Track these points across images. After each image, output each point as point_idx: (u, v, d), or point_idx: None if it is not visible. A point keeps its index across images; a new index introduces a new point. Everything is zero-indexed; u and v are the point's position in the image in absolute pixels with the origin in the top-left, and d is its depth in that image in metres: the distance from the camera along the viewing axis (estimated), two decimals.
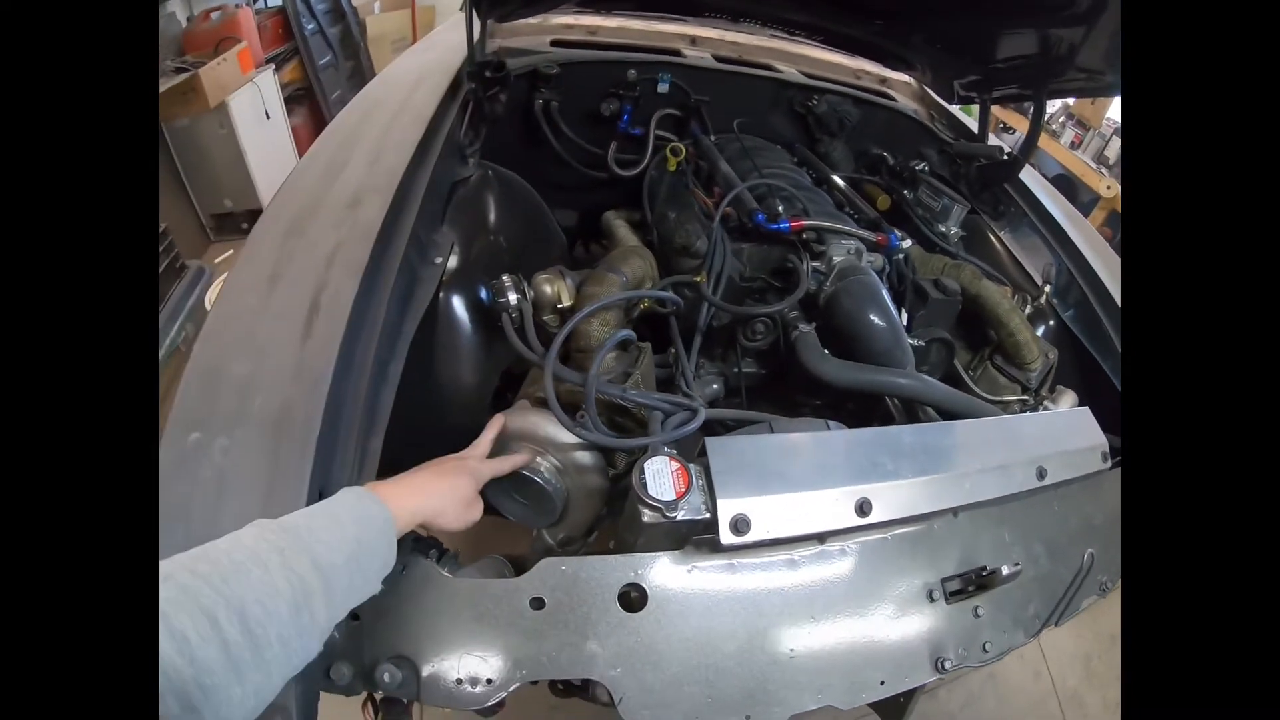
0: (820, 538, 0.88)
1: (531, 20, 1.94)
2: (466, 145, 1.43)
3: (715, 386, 1.38)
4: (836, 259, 1.32)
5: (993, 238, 1.87)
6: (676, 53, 1.97)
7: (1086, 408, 1.28)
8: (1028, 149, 1.78)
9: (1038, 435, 1.11)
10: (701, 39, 2.09)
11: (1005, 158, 1.82)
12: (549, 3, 1.78)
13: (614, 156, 1.80)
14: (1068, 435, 1.14)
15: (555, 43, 1.90)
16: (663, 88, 1.84)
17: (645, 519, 0.77)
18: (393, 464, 0.81)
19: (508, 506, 1.01)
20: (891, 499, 0.90)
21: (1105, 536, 1.09)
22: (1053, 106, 4.01)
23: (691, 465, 0.82)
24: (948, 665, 0.87)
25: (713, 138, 1.82)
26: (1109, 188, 3.39)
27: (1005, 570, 0.92)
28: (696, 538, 0.81)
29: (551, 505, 0.98)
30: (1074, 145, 3.71)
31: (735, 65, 1.96)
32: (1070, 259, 1.64)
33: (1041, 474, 1.03)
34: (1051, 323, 1.62)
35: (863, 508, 0.87)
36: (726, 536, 0.78)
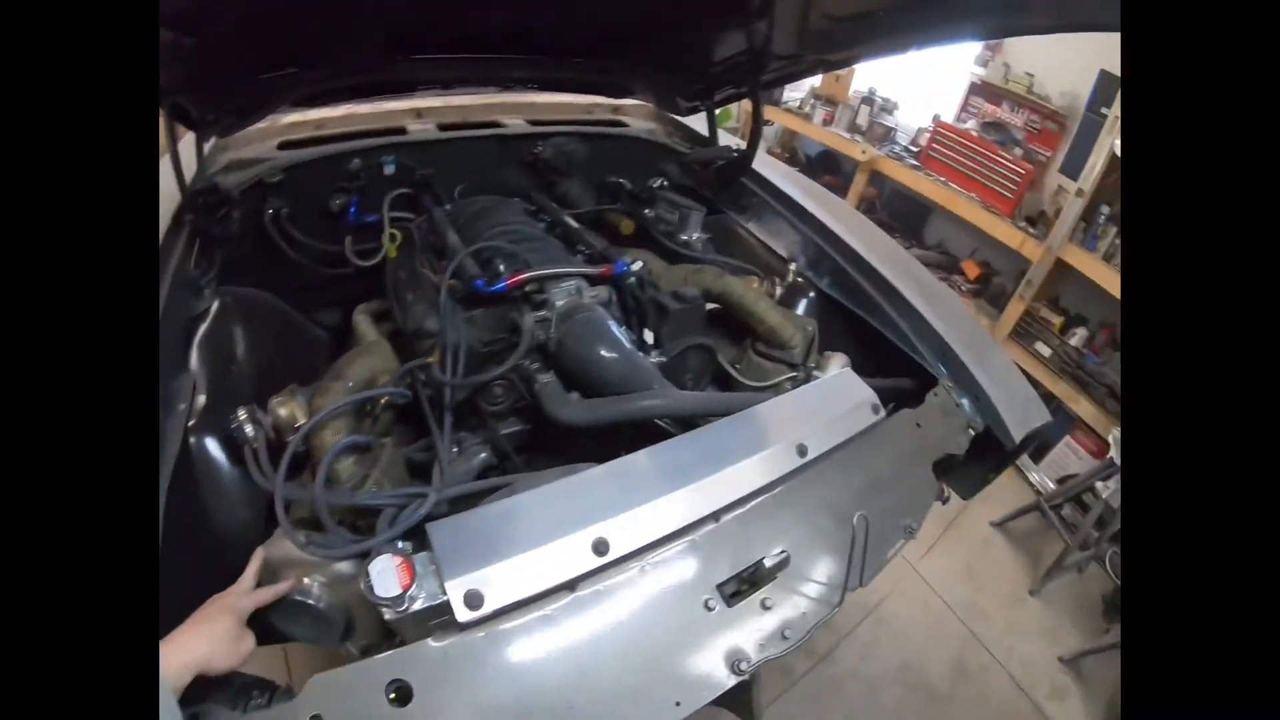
0: (570, 586, 0.88)
1: (260, 126, 1.88)
2: (199, 277, 1.38)
3: (483, 455, 1.35)
4: (559, 303, 1.36)
5: (742, 231, 2.01)
6: (401, 131, 1.96)
7: (847, 368, 1.40)
8: (754, 141, 1.94)
9: (799, 411, 1.19)
10: (427, 110, 2.10)
11: (735, 154, 1.98)
12: (262, 110, 1.72)
13: (352, 250, 1.77)
14: (832, 400, 1.24)
15: (282, 145, 1.84)
16: (388, 170, 1.85)
17: (386, 617, 0.78)
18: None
19: (297, 631, 0.97)
20: (631, 529, 0.91)
21: (891, 483, 1.19)
22: (800, 92, 4.44)
23: (417, 555, 0.82)
24: (744, 666, 0.88)
25: (447, 207, 1.85)
26: (863, 151, 3.81)
27: (768, 561, 0.96)
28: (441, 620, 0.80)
29: (331, 623, 0.96)
30: (826, 123, 4.12)
31: (459, 130, 1.99)
32: (815, 232, 1.80)
33: (802, 450, 1.09)
34: (812, 294, 1.76)
35: (599, 547, 0.88)
36: (463, 613, 0.78)
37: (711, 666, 0.87)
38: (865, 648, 2.34)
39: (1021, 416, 1.38)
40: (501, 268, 1.39)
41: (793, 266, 1.72)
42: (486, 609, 0.79)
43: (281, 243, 1.69)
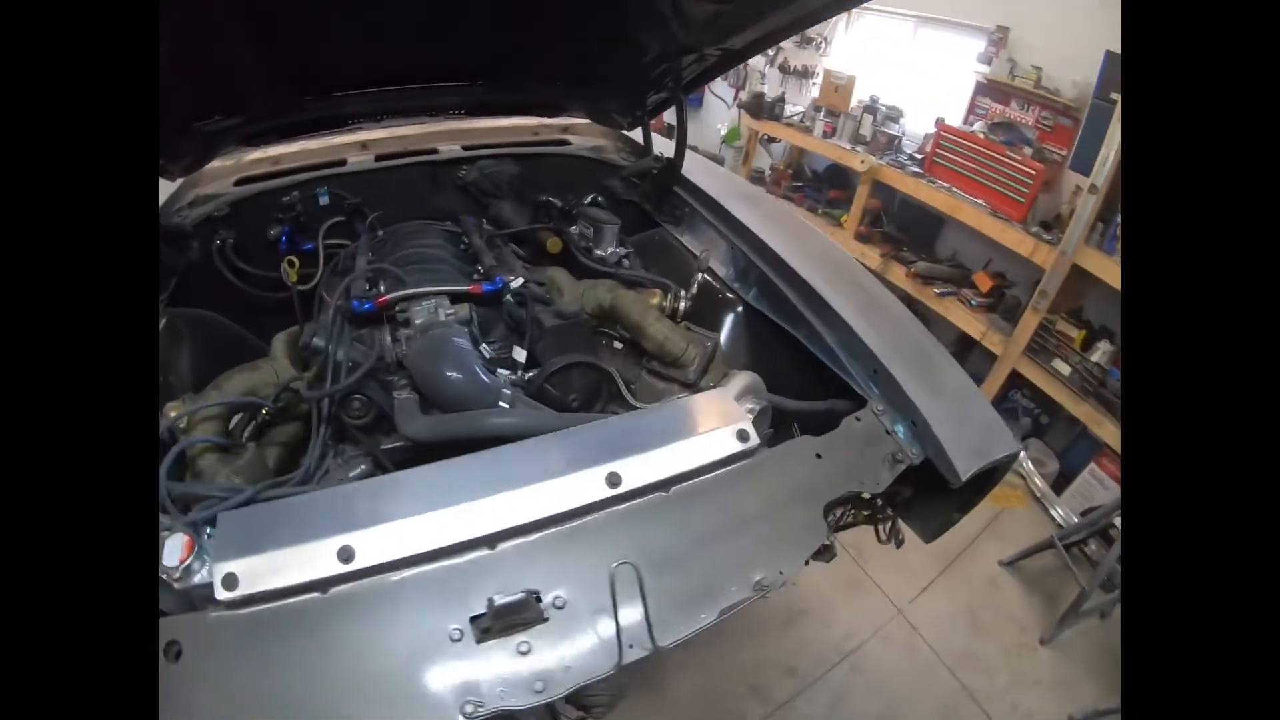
0: (321, 588, 0.87)
1: (226, 163, 2.01)
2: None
3: (363, 467, 1.33)
4: (418, 321, 1.35)
5: (675, 244, 1.93)
6: (341, 163, 2.03)
7: (719, 389, 1.28)
8: (679, 148, 1.89)
9: (634, 433, 1.08)
10: (372, 141, 2.16)
11: (659, 164, 1.92)
12: (208, 153, 1.84)
13: (287, 276, 1.83)
14: (685, 424, 1.11)
15: (238, 181, 1.97)
16: (323, 200, 1.94)
17: (174, 586, 0.85)
18: None
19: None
20: (381, 542, 0.89)
21: (750, 525, 1.02)
22: (801, 105, 4.31)
23: (210, 539, 0.90)
24: (475, 712, 0.80)
25: (379, 233, 1.90)
26: (862, 161, 3.62)
27: (542, 601, 0.87)
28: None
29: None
30: (827, 134, 3.97)
31: (393, 159, 2.03)
32: (743, 240, 1.69)
33: (614, 480, 0.98)
34: (740, 309, 1.65)
35: (344, 554, 0.87)
36: (220, 592, 0.83)
37: (438, 702, 0.80)
38: (836, 697, 2.12)
39: (975, 446, 1.17)
40: (382, 288, 1.43)
41: (697, 278, 1.61)
42: (240, 592, 0.83)
43: (226, 271, 1.80)
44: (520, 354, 1.40)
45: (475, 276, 1.58)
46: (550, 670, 0.83)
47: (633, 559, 0.92)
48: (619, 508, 0.98)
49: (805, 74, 4.50)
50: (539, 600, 0.87)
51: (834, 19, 4.32)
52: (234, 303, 1.78)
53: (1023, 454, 2.88)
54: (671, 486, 1.01)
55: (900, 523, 1.35)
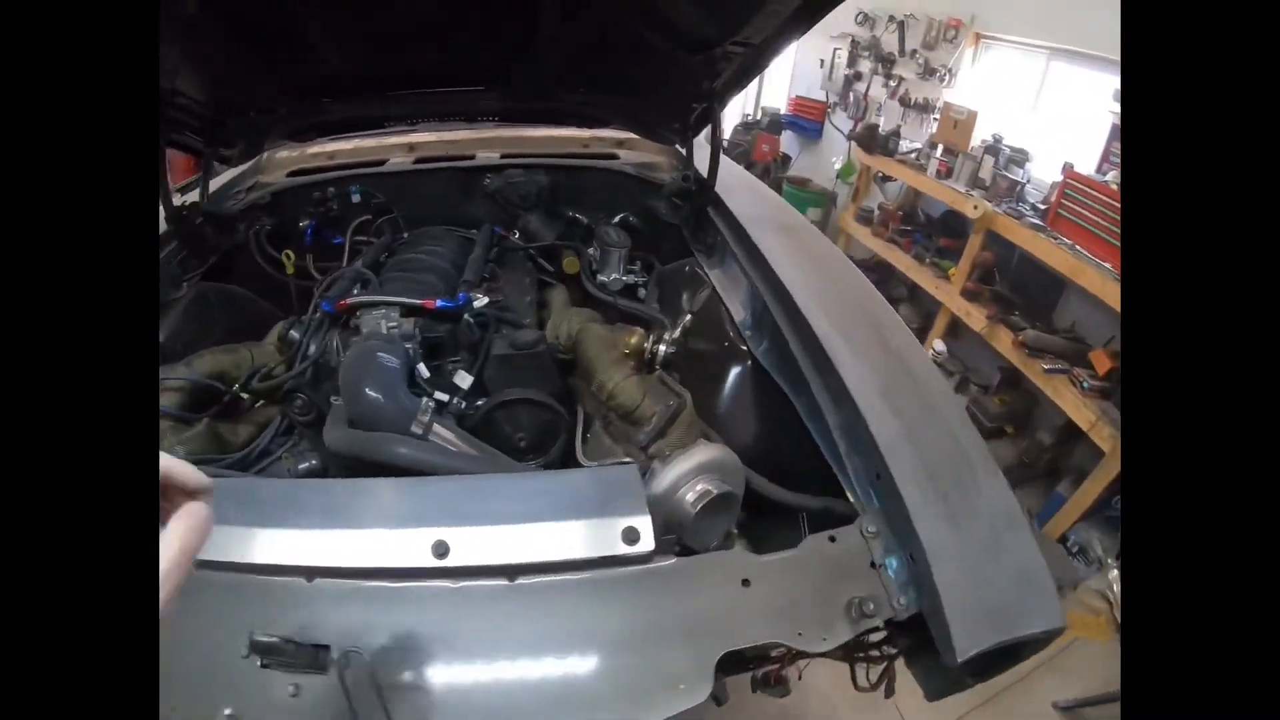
0: None
1: (289, 154, 2.21)
2: (181, 274, 1.70)
3: (312, 463, 1.35)
4: (364, 329, 1.33)
5: (702, 276, 1.75)
6: (380, 163, 2.09)
7: (664, 463, 1.03)
8: (713, 166, 1.72)
9: (494, 497, 0.92)
10: (420, 144, 2.22)
11: (689, 184, 1.77)
12: (259, 143, 1.99)
13: (315, 265, 1.94)
14: (571, 502, 0.91)
15: (291, 173, 2.12)
16: (355, 198, 2.01)
17: None
18: None
19: None
20: (218, 540, 0.82)
21: (590, 650, 0.81)
22: (917, 142, 3.89)
23: None
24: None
25: (405, 235, 1.95)
26: (975, 207, 3.18)
27: (335, 651, 0.76)
28: None
29: None
30: (941, 174, 3.53)
31: (429, 163, 2.05)
32: (766, 283, 1.43)
33: (440, 550, 0.84)
34: (748, 363, 1.44)
35: None
36: None
37: (207, 699, 0.74)
38: None
39: (993, 610, 0.83)
40: (355, 291, 1.44)
41: (685, 320, 1.41)
42: None
43: (258, 255, 1.91)
44: (464, 379, 1.31)
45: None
46: None
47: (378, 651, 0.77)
48: (446, 583, 0.83)
49: (926, 108, 4.10)
50: (323, 650, 0.74)
51: (960, 49, 3.90)
52: (271, 285, 1.91)
53: (1113, 574, 2.34)
54: (516, 575, 0.84)
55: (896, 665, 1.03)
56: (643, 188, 2.05)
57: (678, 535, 0.98)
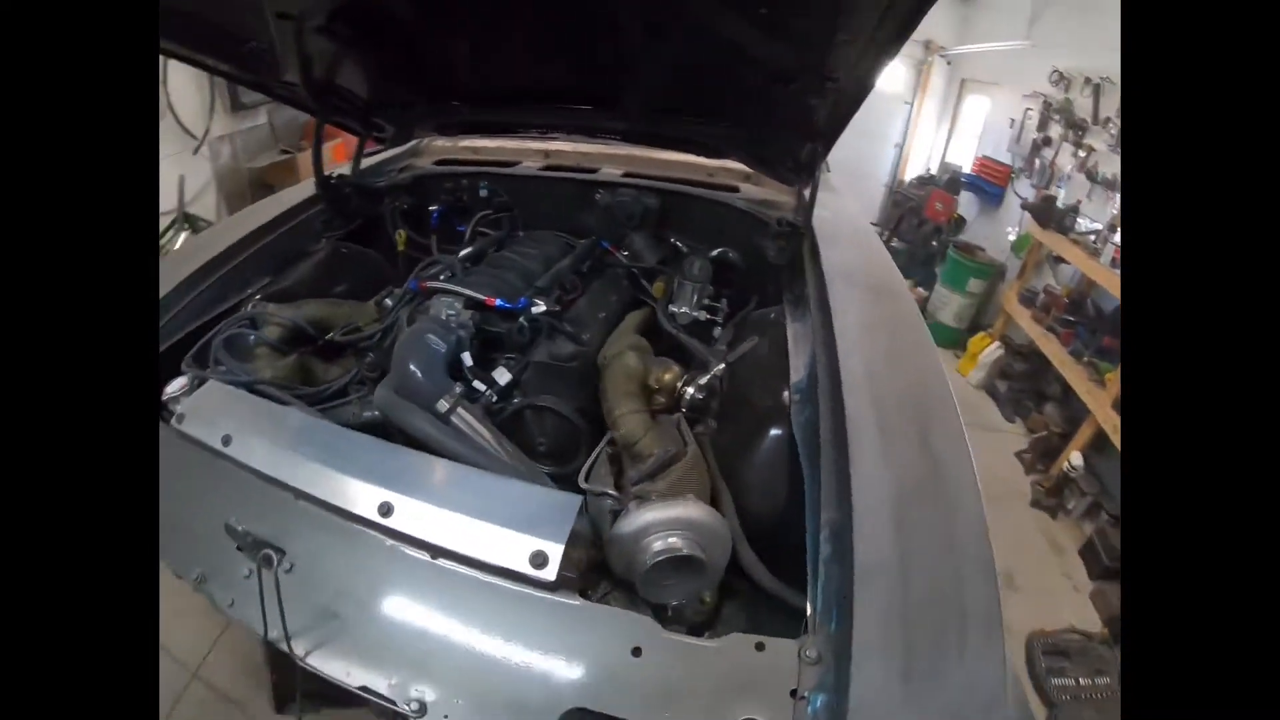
0: (212, 452, 1.14)
1: (445, 144, 2.54)
2: (320, 230, 1.99)
3: (374, 414, 1.45)
4: (430, 312, 1.43)
5: (784, 324, 1.67)
6: (513, 164, 2.26)
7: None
8: (808, 206, 1.66)
9: (450, 484, 1.01)
10: (555, 152, 2.36)
11: (784, 226, 1.70)
12: (406, 133, 2.25)
13: (439, 247, 2.15)
14: (507, 506, 0.95)
15: (438, 161, 2.37)
16: (483, 193, 2.20)
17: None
18: None
19: None
20: (254, 450, 1.10)
21: (455, 641, 0.85)
22: (1098, 223, 3.37)
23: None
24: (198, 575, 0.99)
25: (520, 234, 2.13)
26: None
27: (256, 550, 0.91)
28: None
29: None
30: (1117, 264, 3.04)
31: (555, 172, 2.18)
32: (825, 350, 1.30)
33: (385, 509, 0.95)
34: (787, 429, 1.34)
35: (225, 440, 1.15)
36: (171, 417, 1.20)
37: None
38: None
39: None
40: (441, 277, 1.58)
41: (711, 374, 1.36)
42: (175, 423, 1.17)
43: (389, 228, 2.16)
44: (502, 376, 1.37)
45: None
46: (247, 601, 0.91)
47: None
48: (384, 539, 0.95)
49: (1113, 185, 3.58)
50: (275, 552, 0.91)
51: None
52: (397, 256, 2.13)
53: None
54: (437, 555, 0.90)
55: None
56: (754, 225, 2.00)
57: (637, 583, 0.93)
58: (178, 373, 1.31)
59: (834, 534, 0.84)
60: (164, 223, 3.72)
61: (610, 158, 2.31)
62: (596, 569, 1.03)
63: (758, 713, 0.72)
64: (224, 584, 0.94)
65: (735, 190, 2.13)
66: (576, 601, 0.86)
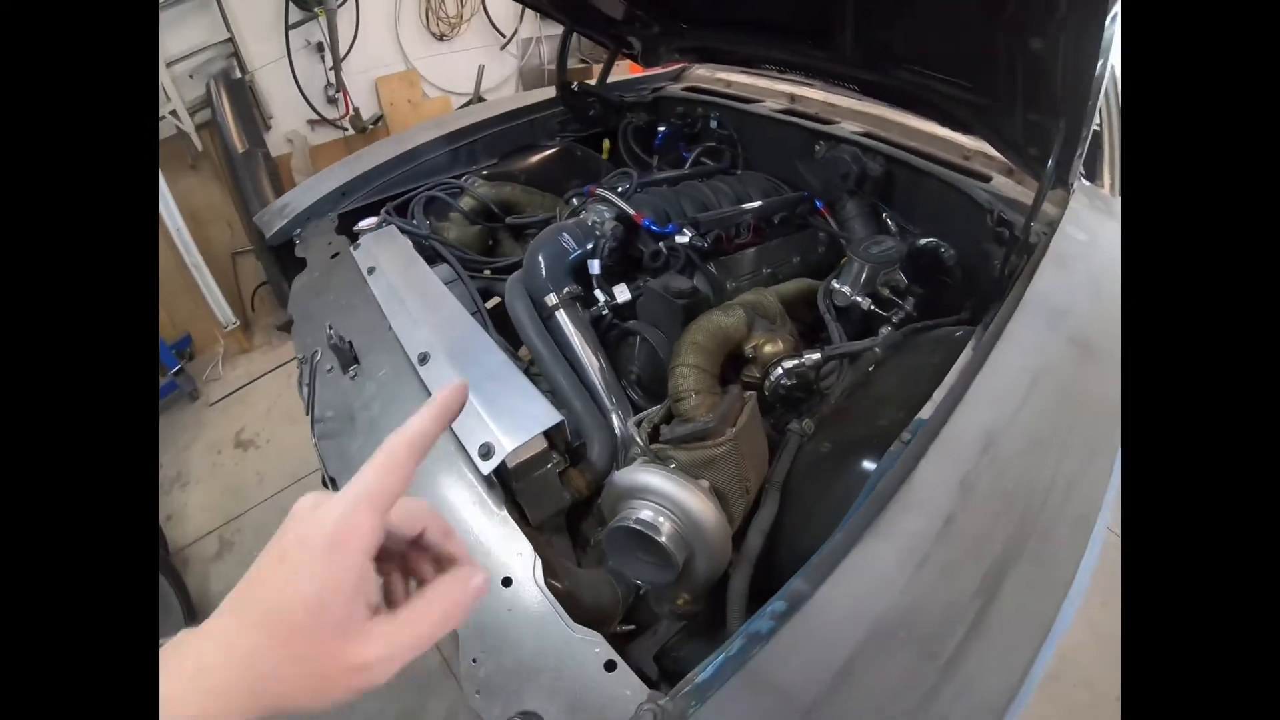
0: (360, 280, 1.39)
1: (703, 73, 2.58)
2: (557, 129, 2.24)
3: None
4: (582, 214, 1.48)
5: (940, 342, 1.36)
6: (750, 102, 2.15)
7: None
8: (1028, 219, 1.30)
9: (484, 362, 1.07)
10: (800, 97, 2.18)
11: (1006, 231, 1.35)
12: (653, 53, 2.31)
13: (658, 163, 2.22)
14: (502, 398, 0.97)
15: (686, 88, 2.40)
16: (713, 124, 2.18)
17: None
18: None
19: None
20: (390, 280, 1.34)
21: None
22: None
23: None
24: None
25: (737, 171, 2.06)
26: None
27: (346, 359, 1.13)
28: None
29: None
30: None
31: (787, 115, 2.01)
32: (950, 399, 0.97)
33: (422, 359, 1.07)
34: (865, 464, 1.11)
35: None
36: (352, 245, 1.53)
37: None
38: None
39: None
40: (620, 188, 1.61)
41: (808, 356, 1.17)
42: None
43: (620, 141, 2.27)
44: (621, 293, 1.35)
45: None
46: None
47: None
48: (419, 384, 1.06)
49: None
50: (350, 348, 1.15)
51: None
52: (621, 163, 2.24)
53: None
54: None
55: None
56: (983, 218, 1.61)
57: (605, 536, 0.86)
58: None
59: (780, 609, 0.64)
60: (458, 103, 4.35)
61: (857, 114, 2.04)
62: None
63: (547, 717, 0.62)
64: (329, 377, 1.15)
65: (986, 180, 1.71)
66: (500, 511, 0.82)
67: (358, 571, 0.35)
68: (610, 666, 0.66)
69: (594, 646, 0.68)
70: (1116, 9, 0.86)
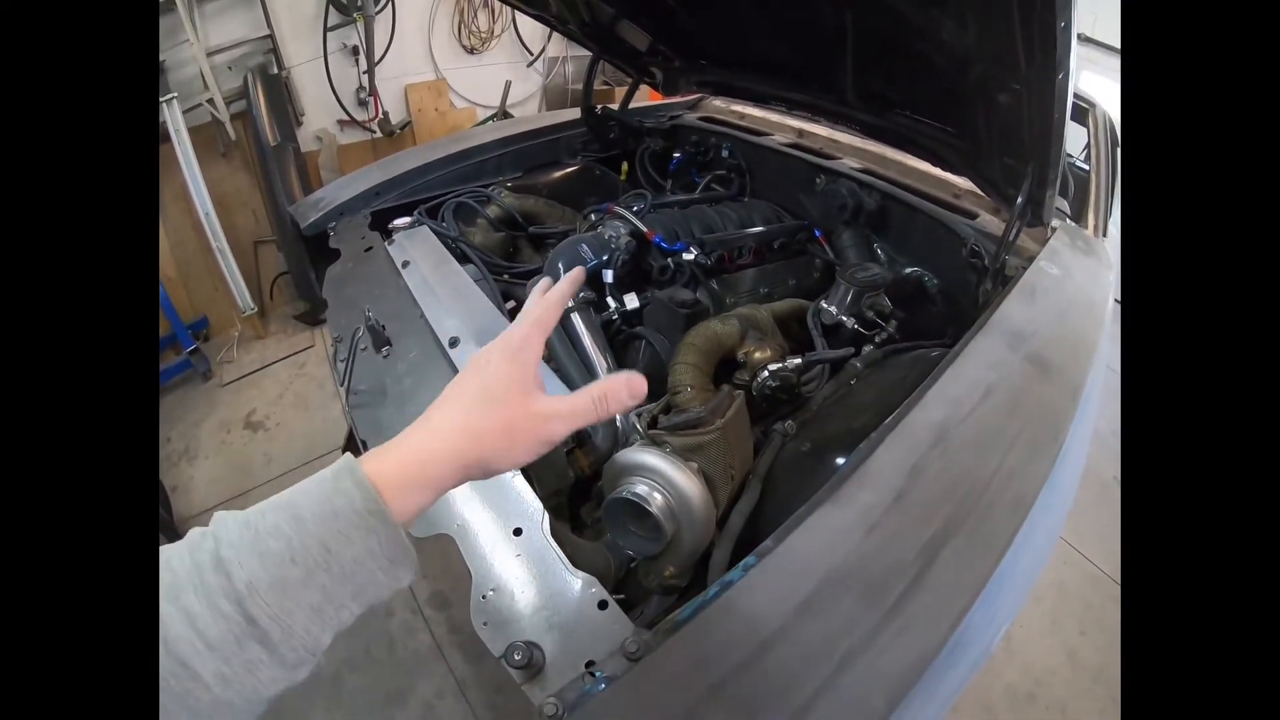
0: (393, 270, 1.52)
1: (718, 104, 2.75)
2: (579, 149, 2.38)
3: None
4: (599, 229, 1.61)
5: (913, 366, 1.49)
6: (760, 134, 2.30)
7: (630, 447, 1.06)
8: (998, 252, 1.42)
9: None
10: (807, 132, 2.33)
11: (976, 259, 1.48)
12: (673, 85, 2.47)
13: (671, 186, 2.37)
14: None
15: (701, 118, 2.57)
16: (725, 154, 2.34)
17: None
18: None
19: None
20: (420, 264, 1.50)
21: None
22: None
23: None
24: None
25: (744, 198, 2.22)
26: None
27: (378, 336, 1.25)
28: None
29: None
30: None
31: (792, 149, 2.16)
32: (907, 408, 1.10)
33: (453, 342, 1.20)
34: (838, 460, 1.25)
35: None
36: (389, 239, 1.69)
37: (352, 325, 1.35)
38: None
39: None
40: (635, 207, 1.75)
41: (789, 361, 1.32)
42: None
43: (636, 164, 2.42)
44: (631, 301, 1.49)
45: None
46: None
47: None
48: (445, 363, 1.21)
49: None
50: (386, 345, 1.26)
51: None
52: (637, 185, 2.39)
53: None
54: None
55: None
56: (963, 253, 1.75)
57: (603, 507, 0.98)
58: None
59: (751, 563, 0.75)
60: (483, 115, 4.55)
61: (858, 151, 2.19)
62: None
63: (544, 646, 0.72)
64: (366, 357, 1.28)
65: (974, 217, 1.86)
66: (516, 476, 0.92)
67: (535, 367, 0.53)
68: (602, 605, 0.77)
69: (589, 588, 0.79)
70: (1068, 68, 0.99)
